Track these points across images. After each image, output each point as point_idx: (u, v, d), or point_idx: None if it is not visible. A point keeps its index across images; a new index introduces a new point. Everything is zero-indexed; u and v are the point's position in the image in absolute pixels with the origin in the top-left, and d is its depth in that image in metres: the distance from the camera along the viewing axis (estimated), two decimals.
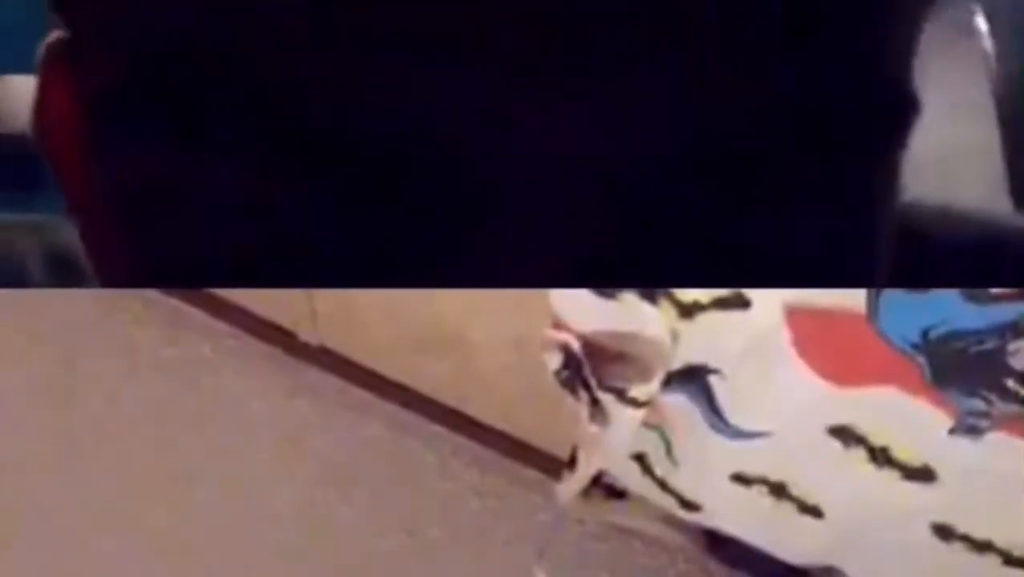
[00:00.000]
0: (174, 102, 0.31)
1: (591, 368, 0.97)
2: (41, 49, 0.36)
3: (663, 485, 1.12)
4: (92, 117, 0.34)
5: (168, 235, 0.33)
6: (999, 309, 0.81)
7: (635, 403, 0.98)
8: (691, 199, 0.31)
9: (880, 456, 0.95)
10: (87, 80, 0.34)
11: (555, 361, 0.99)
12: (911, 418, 0.90)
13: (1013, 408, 0.86)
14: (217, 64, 0.31)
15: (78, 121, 0.35)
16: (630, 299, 0.90)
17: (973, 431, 0.89)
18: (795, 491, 1.03)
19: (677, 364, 0.95)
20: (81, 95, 0.35)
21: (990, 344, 0.82)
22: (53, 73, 0.36)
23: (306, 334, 1.44)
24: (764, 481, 1.03)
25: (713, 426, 0.99)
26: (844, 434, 0.95)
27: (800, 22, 0.31)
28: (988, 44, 1.01)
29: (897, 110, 0.34)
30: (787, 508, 1.04)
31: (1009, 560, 0.99)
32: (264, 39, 0.30)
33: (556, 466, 1.26)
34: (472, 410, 1.39)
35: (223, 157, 0.31)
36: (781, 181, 0.32)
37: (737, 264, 0.32)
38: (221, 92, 0.31)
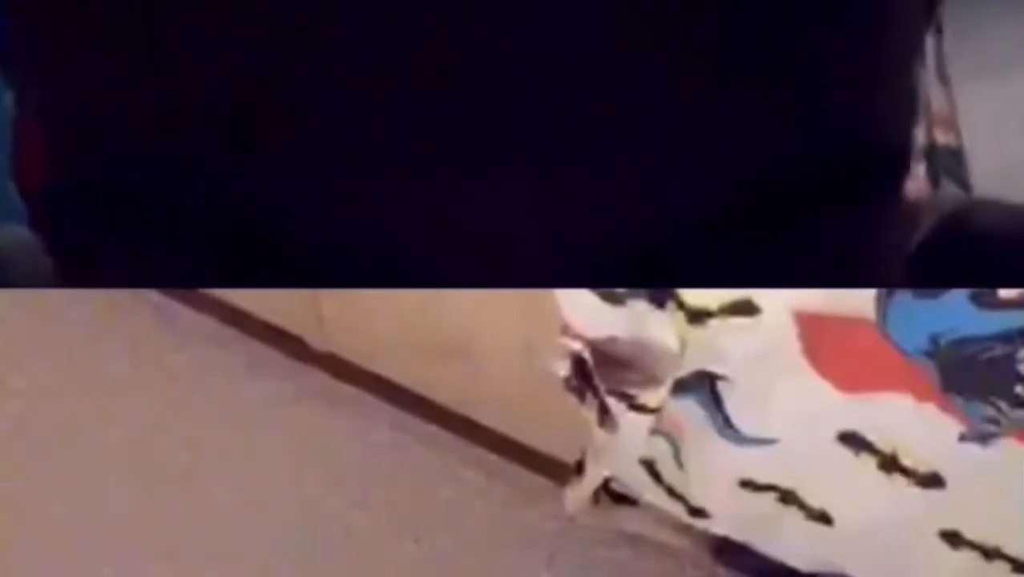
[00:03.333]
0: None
1: (600, 374, 0.97)
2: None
3: (671, 491, 1.12)
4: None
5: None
6: (1009, 315, 0.80)
7: (644, 409, 0.98)
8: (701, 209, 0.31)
9: (889, 462, 0.95)
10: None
11: (564, 367, 0.99)
12: (920, 424, 0.90)
13: (1023, 415, 0.86)
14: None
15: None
16: (639, 305, 0.90)
17: (983, 438, 0.89)
18: (804, 497, 1.03)
19: (686, 370, 0.95)
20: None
21: (1000, 350, 0.82)
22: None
23: (313, 339, 1.43)
24: (773, 488, 1.03)
25: (721, 432, 0.99)
26: (853, 440, 0.94)
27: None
28: None
29: (884, 162, 0.34)
30: (796, 514, 1.04)
31: (1018, 567, 0.99)
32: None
33: (564, 472, 1.25)
34: (480, 416, 1.39)
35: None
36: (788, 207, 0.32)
37: (745, 267, 0.32)
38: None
